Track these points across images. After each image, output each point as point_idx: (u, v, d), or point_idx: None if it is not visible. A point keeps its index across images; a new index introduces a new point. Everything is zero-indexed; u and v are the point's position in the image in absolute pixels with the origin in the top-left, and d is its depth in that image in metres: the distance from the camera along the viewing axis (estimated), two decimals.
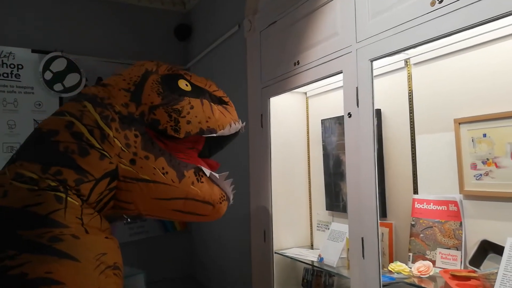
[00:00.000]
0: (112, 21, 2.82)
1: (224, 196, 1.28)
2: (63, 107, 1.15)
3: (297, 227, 2.05)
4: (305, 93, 2.09)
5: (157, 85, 1.21)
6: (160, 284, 1.56)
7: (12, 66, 2.27)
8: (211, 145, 1.38)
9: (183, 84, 1.25)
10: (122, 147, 1.10)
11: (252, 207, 2.06)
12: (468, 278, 1.16)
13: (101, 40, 2.73)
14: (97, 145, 1.07)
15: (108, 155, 1.08)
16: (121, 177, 1.10)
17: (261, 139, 1.97)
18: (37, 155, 1.06)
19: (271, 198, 1.90)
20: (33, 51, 2.38)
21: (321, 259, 1.69)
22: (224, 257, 2.62)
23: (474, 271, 1.17)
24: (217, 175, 1.26)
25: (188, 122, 1.19)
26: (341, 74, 1.44)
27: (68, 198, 1.01)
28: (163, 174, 1.14)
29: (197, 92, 1.27)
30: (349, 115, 1.38)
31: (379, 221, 1.29)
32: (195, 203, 1.20)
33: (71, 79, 2.47)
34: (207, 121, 1.23)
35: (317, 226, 2.02)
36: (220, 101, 1.34)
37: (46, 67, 2.36)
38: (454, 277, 1.19)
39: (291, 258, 1.86)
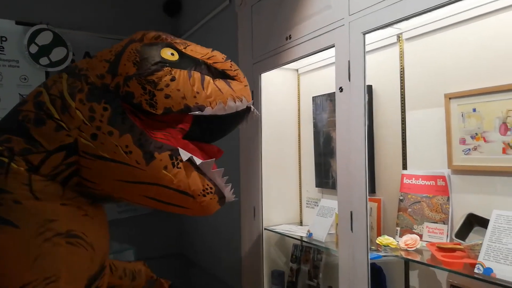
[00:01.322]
0: None
1: (211, 188, 1.07)
2: (48, 79, 1.12)
3: (287, 204, 2.06)
4: (297, 70, 2.07)
5: (134, 54, 1.07)
6: (149, 261, 1.56)
7: None
8: (206, 129, 1.17)
9: (166, 53, 1.09)
10: (85, 120, 1.00)
11: (242, 184, 2.06)
12: (453, 250, 1.18)
13: (89, 14, 2.66)
14: (56, 116, 1.01)
15: (65, 127, 1.00)
16: (81, 152, 1.00)
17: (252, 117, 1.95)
18: (1, 121, 1.05)
19: (261, 175, 1.90)
20: (17, 23, 2.30)
21: (310, 235, 1.70)
22: (214, 234, 2.64)
23: (460, 244, 1.18)
24: (199, 160, 1.06)
25: (167, 96, 1.04)
26: (333, 48, 1.42)
27: (12, 164, 0.96)
28: (126, 153, 1.00)
29: (187, 62, 1.10)
30: (341, 89, 1.37)
31: (368, 196, 1.30)
32: (169, 191, 1.03)
33: (57, 53, 2.40)
34: (194, 97, 1.05)
35: (307, 203, 2.03)
36: (223, 75, 1.14)
37: (31, 40, 2.29)
38: (440, 249, 1.20)
39: (280, 233, 1.88)
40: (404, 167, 1.49)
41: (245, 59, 2.03)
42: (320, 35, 1.48)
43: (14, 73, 2.22)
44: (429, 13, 1.15)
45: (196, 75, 1.08)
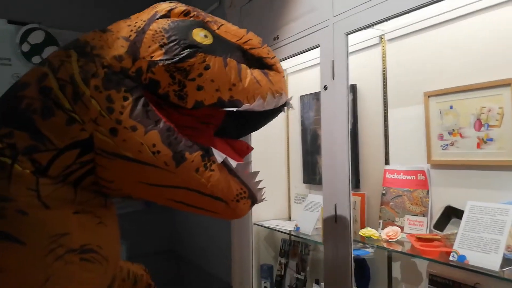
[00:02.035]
0: None
1: (244, 192, 0.94)
2: (51, 55, 0.92)
3: (276, 200, 2.11)
4: (285, 70, 2.12)
5: (161, 34, 0.88)
6: (141, 258, 1.59)
7: None
8: (240, 126, 1.05)
9: (199, 35, 0.90)
10: (102, 111, 0.83)
11: None
12: (431, 240, 1.24)
13: (81, 14, 2.69)
14: (67, 106, 0.83)
15: (79, 120, 0.83)
16: (98, 149, 0.84)
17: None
18: None
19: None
20: (9, 22, 2.33)
21: (297, 228, 1.75)
22: (205, 230, 2.68)
23: (437, 234, 1.25)
24: (234, 162, 0.92)
25: (199, 88, 0.88)
26: (319, 48, 1.48)
27: (15, 165, 0.80)
28: (153, 153, 0.84)
29: (222, 47, 0.92)
30: (325, 87, 1.43)
31: (352, 191, 1.35)
32: (201, 196, 0.90)
33: (49, 52, 2.38)
34: (230, 89, 0.90)
35: (295, 199, 2.09)
36: (260, 64, 0.97)
37: (24, 39, 2.32)
38: (419, 239, 1.27)
39: (269, 228, 1.93)
40: (387, 162, 1.55)
41: None
42: (306, 35, 1.53)
43: (6, 71, 2.25)
44: (409, 16, 1.21)
45: (232, 63, 0.91)
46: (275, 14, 1.73)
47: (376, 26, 1.41)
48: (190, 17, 0.94)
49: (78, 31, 2.63)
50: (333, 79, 1.39)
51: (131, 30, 0.90)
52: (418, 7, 1.13)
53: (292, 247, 1.99)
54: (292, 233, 1.79)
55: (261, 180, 0.97)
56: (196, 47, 0.87)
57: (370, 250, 1.48)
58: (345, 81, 1.35)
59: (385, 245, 1.38)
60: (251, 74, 0.92)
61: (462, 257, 1.08)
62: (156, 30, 0.88)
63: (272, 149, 2.09)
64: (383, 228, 1.47)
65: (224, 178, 0.90)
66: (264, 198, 1.02)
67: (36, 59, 2.36)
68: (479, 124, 1.23)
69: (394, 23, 1.46)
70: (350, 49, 1.65)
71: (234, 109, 0.90)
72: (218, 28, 0.96)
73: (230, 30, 0.97)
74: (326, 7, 1.43)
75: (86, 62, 0.85)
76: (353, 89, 1.68)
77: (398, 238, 1.36)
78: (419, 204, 1.40)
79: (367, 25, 1.28)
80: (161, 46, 0.87)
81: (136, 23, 0.91)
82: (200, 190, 0.87)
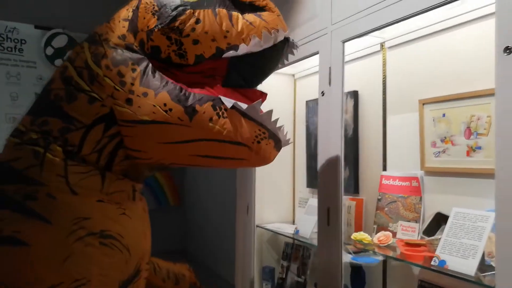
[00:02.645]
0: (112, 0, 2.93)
1: (264, 133, 0.96)
2: (70, 51, 1.04)
3: (281, 203, 2.15)
4: (293, 75, 2.17)
5: (151, 4, 0.97)
6: (153, 256, 1.66)
7: (16, 41, 2.40)
8: (245, 71, 1.04)
9: None
10: (116, 86, 0.92)
11: (238, 182, 2.16)
12: (419, 245, 1.25)
13: (102, 19, 2.84)
14: (86, 88, 0.93)
15: (98, 97, 0.92)
16: (119, 120, 0.93)
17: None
18: (32, 107, 1.00)
19: (254, 174, 2.00)
20: (36, 27, 2.51)
21: (297, 232, 1.79)
22: (214, 231, 2.75)
23: (423, 240, 1.26)
24: (245, 105, 0.94)
25: (195, 42, 0.93)
26: (318, 55, 1.52)
27: (47, 154, 0.90)
28: (166, 112, 0.90)
29: (210, 1, 0.98)
30: (323, 93, 1.47)
31: (351, 196, 1.38)
32: (221, 145, 0.93)
33: None
34: (225, 37, 0.94)
35: (299, 203, 2.12)
36: (252, 9, 1.00)
37: (48, 43, 2.49)
38: (407, 244, 1.28)
39: (270, 231, 1.97)
40: (384, 168, 1.57)
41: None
42: (307, 42, 1.58)
43: (31, 73, 2.41)
44: (408, 24, 1.25)
45: (222, 12, 0.96)
46: None
47: (376, 34, 1.46)
48: None
49: None
50: (330, 85, 1.43)
51: (129, 11, 1.00)
52: (407, 17, 1.15)
53: (294, 250, 2.02)
54: (293, 236, 1.82)
55: (278, 119, 0.99)
56: (184, 6, 0.94)
57: (380, 258, 1.48)
58: (340, 88, 1.39)
59: (376, 249, 1.39)
60: (243, 18, 0.96)
61: (442, 262, 1.10)
62: (147, 2, 0.97)
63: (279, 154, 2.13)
64: (377, 233, 1.48)
65: (239, 122, 0.93)
66: (289, 139, 1.04)
67: (58, 62, 2.52)
68: (469, 132, 1.23)
69: (393, 31, 1.49)
70: (354, 56, 1.71)
71: (232, 53, 0.94)
72: None
73: None
74: (326, 15, 1.48)
75: (96, 48, 0.96)
76: (354, 95, 1.71)
77: (389, 243, 1.37)
78: (412, 210, 1.41)
79: (362, 34, 1.32)
80: (154, 14, 0.95)
81: (132, 4, 1.01)
82: (218, 138, 0.92)
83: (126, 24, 0.98)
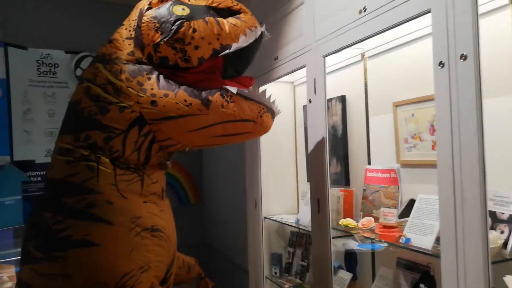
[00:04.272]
0: None
1: (263, 108, 1.19)
2: (83, 74, 1.20)
3: (286, 197, 2.40)
4: (292, 83, 2.41)
5: (152, 21, 1.14)
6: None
7: (50, 65, 2.73)
8: (236, 63, 1.25)
9: (178, 10, 1.15)
10: (139, 93, 1.10)
11: (247, 180, 2.42)
12: (392, 227, 1.48)
13: None
14: (114, 100, 1.09)
15: (127, 106, 1.09)
16: (149, 120, 1.11)
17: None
18: (69, 126, 1.15)
19: (260, 172, 2.25)
20: (67, 52, 2.83)
21: (297, 221, 2.03)
22: (228, 224, 3.02)
23: (396, 222, 1.48)
24: (245, 90, 1.19)
25: (196, 48, 1.12)
26: (305, 68, 1.76)
27: (100, 167, 1.07)
28: (187, 106, 1.10)
29: (199, 12, 1.16)
30: (310, 101, 1.71)
31: (342, 188, 1.60)
32: (234, 124, 1.15)
33: None
34: (218, 39, 1.14)
35: (302, 196, 2.35)
36: (230, 13, 1.22)
37: (77, 65, 2.81)
38: (383, 227, 1.51)
39: (276, 221, 2.22)
40: (369, 162, 1.79)
41: (247, 74, 2.40)
42: (297, 57, 1.82)
43: (64, 92, 2.74)
44: (384, 35, 1.43)
45: (211, 20, 1.15)
46: (276, 38, 2.03)
47: (357, 45, 1.67)
48: (166, 0, 1.20)
49: None
50: (315, 94, 1.66)
51: (129, 31, 1.18)
52: (369, 36, 1.37)
53: (299, 238, 2.27)
54: (294, 224, 2.07)
55: (270, 95, 1.24)
56: (181, 19, 1.12)
57: (385, 245, 1.67)
58: (323, 96, 1.62)
59: (361, 232, 1.62)
60: (227, 22, 1.17)
61: (408, 240, 1.32)
62: (148, 21, 1.14)
63: (281, 153, 2.38)
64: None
65: (243, 104, 1.16)
66: (279, 110, 1.28)
67: None
68: (432, 129, 1.45)
69: (372, 43, 1.70)
70: (341, 65, 1.94)
71: (227, 52, 1.15)
72: (189, 0, 1.22)
73: None
74: (310, 33, 1.71)
75: (112, 66, 1.13)
76: (342, 99, 1.93)
77: (371, 226, 1.60)
78: (392, 198, 1.63)
79: (338, 49, 1.53)
80: (157, 30, 1.13)
81: (130, 24, 1.19)
82: (231, 119, 1.14)
83: (131, 42, 1.16)
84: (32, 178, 2.59)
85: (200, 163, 3.64)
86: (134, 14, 1.20)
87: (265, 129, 1.22)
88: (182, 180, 3.45)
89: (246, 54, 1.24)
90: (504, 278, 1.08)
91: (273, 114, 1.24)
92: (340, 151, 1.93)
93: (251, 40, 1.19)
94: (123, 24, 1.22)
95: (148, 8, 1.18)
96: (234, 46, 1.16)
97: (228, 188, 3.07)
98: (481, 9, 1.24)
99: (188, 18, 1.13)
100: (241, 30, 1.17)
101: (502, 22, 1.23)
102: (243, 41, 1.17)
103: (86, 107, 1.11)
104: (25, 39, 2.73)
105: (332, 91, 2.00)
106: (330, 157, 2.00)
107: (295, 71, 1.87)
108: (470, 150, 1.00)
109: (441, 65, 1.09)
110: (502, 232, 1.20)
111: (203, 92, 1.13)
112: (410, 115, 1.54)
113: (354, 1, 1.42)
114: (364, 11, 1.38)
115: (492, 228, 1.23)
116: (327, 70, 1.98)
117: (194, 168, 3.55)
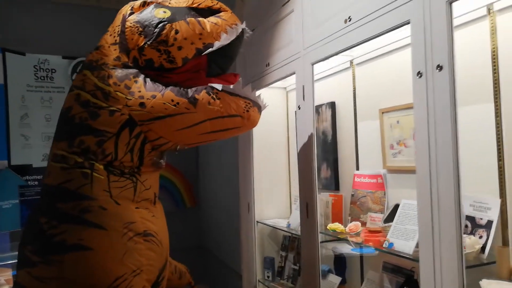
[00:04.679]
0: None
1: (249, 103, 1.22)
2: (73, 81, 1.24)
3: (278, 201, 2.43)
4: (285, 88, 2.45)
5: (135, 26, 1.18)
6: (173, 253, 1.93)
7: (47, 70, 2.78)
8: (220, 60, 1.29)
9: (160, 13, 1.19)
10: (127, 97, 1.13)
11: (240, 184, 2.45)
12: (377, 232, 1.51)
13: None
14: (104, 104, 1.12)
15: (116, 109, 1.12)
16: (139, 122, 1.14)
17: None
18: (62, 133, 1.18)
19: (252, 177, 2.28)
20: (64, 57, 2.88)
21: (288, 225, 2.06)
22: (223, 228, 3.05)
23: (380, 227, 1.51)
24: (230, 86, 1.22)
25: (179, 48, 1.15)
26: (295, 74, 1.79)
27: (94, 174, 1.11)
28: (175, 105, 1.13)
29: (179, 13, 1.20)
30: (299, 107, 1.74)
31: (332, 192, 1.63)
32: (222, 120, 1.18)
33: None
34: (200, 38, 1.17)
35: (294, 201, 2.39)
36: (211, 12, 1.25)
37: (74, 70, 2.85)
38: (369, 231, 1.53)
39: (268, 225, 2.25)
40: (358, 168, 1.82)
41: (242, 79, 2.43)
42: (286, 64, 1.85)
43: (61, 97, 2.76)
44: (370, 44, 1.46)
45: (192, 20, 1.19)
46: (267, 44, 2.06)
47: (346, 53, 1.71)
48: (147, 5, 1.24)
49: None
50: (304, 100, 1.70)
51: (114, 37, 1.22)
52: (354, 45, 1.41)
53: (291, 242, 2.29)
54: (285, 229, 2.10)
55: (255, 89, 1.28)
56: (163, 22, 1.16)
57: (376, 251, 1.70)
58: (311, 102, 1.65)
59: (348, 237, 1.65)
60: (209, 21, 1.21)
61: (391, 244, 1.35)
62: (131, 26, 1.19)
63: (274, 158, 2.41)
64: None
65: (230, 99, 1.18)
66: (266, 103, 1.30)
67: None
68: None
69: (360, 50, 1.74)
70: (331, 71, 1.97)
71: (210, 50, 1.18)
72: (170, 3, 1.25)
73: (178, 0, 1.26)
74: (299, 40, 1.74)
75: (99, 72, 1.17)
76: (332, 105, 1.97)
77: (358, 231, 1.63)
78: (378, 203, 1.66)
79: (324, 58, 1.57)
80: (140, 34, 1.17)
81: (114, 30, 1.23)
82: (218, 115, 1.17)
83: (117, 47, 1.20)
84: (29, 182, 2.63)
85: (196, 167, 3.68)
86: (118, 20, 1.24)
87: (252, 123, 1.24)
88: (178, 184, 3.48)
89: (229, 51, 1.27)
90: (480, 282, 1.10)
91: (259, 108, 1.26)
92: (330, 156, 1.96)
93: (232, 37, 1.22)
94: (108, 31, 1.26)
95: (131, 13, 1.22)
96: (217, 45, 1.19)
97: (223, 192, 3.10)
98: (460, 20, 1.29)
99: (170, 20, 1.17)
100: (222, 28, 1.20)
101: (481, 33, 1.26)
102: (224, 39, 1.20)
103: (77, 114, 1.15)
104: (23, 44, 2.78)
105: (323, 97, 2.03)
106: (321, 162, 2.03)
107: (285, 77, 1.90)
108: (446, 157, 1.03)
109: (419, 74, 1.12)
110: (480, 237, 1.23)
111: (190, 91, 1.16)
112: (396, 122, 1.57)
113: (340, 10, 1.45)
114: (349, 20, 1.41)
115: (472, 233, 1.26)
116: (318, 77, 2.05)
117: (190, 172, 3.59)
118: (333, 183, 1.94)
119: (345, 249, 1.87)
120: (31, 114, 2.70)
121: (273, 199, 2.40)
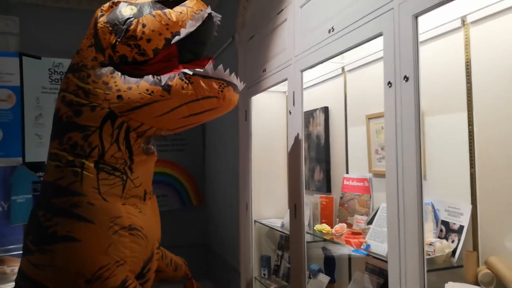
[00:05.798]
0: None
1: (222, 83, 1.25)
2: (60, 85, 1.36)
3: (277, 202, 2.49)
4: (284, 92, 2.51)
5: (106, 26, 1.28)
6: (178, 249, 2.02)
7: (61, 73, 2.93)
8: (192, 46, 1.36)
9: (127, 10, 1.28)
10: (105, 92, 1.23)
11: (240, 185, 2.54)
12: (359, 233, 1.56)
13: None
14: (85, 102, 1.22)
15: (97, 104, 1.22)
16: (119, 113, 1.23)
17: (245, 131, 2.43)
18: (54, 133, 1.30)
19: (251, 178, 2.36)
20: None
21: (282, 225, 2.13)
22: (227, 227, 3.14)
23: (361, 229, 1.56)
24: (201, 70, 1.25)
25: (149, 40, 1.24)
26: (287, 81, 1.86)
27: (84, 172, 1.21)
28: (149, 94, 1.21)
29: (145, 8, 1.29)
30: (290, 112, 1.81)
31: (323, 195, 1.69)
32: (198, 102, 1.23)
33: None
34: (167, 29, 1.25)
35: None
36: (177, 2, 1.33)
37: None
38: (351, 233, 1.59)
39: (265, 225, 2.33)
40: (347, 171, 1.88)
41: (243, 84, 2.52)
42: (280, 70, 1.92)
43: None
44: (357, 52, 1.52)
45: (157, 12, 1.27)
46: (264, 51, 2.14)
47: (337, 59, 1.77)
48: (116, 5, 1.34)
49: None
50: (294, 105, 1.77)
51: (90, 39, 1.33)
52: (337, 54, 1.47)
53: (287, 241, 2.36)
54: (278, 228, 2.16)
55: (228, 69, 1.28)
56: (129, 18, 1.26)
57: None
58: (300, 108, 1.71)
59: (334, 238, 1.71)
60: (174, 11, 1.28)
61: (368, 246, 1.40)
62: (102, 27, 1.29)
63: (273, 159, 2.48)
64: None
65: (203, 82, 1.23)
66: (242, 82, 1.34)
67: None
68: None
69: (351, 57, 1.79)
70: (325, 77, 2.03)
71: (178, 38, 1.25)
72: (136, 0, 1.34)
73: None
74: (291, 48, 1.81)
75: (79, 73, 1.28)
76: (325, 110, 2.03)
77: (343, 232, 1.69)
78: (365, 205, 1.72)
79: (311, 66, 1.64)
80: (111, 33, 1.27)
81: (90, 33, 1.34)
82: (193, 98, 1.23)
83: (92, 49, 1.30)
84: (41, 178, 2.78)
85: (203, 166, 3.78)
86: (92, 23, 1.35)
87: (229, 102, 1.28)
88: (184, 182, 3.60)
89: (198, 36, 1.33)
90: (446, 284, 1.15)
91: (234, 87, 1.30)
92: (322, 159, 2.02)
93: (198, 23, 1.29)
94: (86, 35, 1.36)
95: (101, 15, 1.32)
96: (183, 32, 1.27)
97: (227, 191, 3.20)
98: (436, 32, 1.33)
99: (137, 15, 1.27)
100: (188, 16, 1.28)
101: (455, 44, 1.30)
102: (190, 26, 1.28)
103: (64, 113, 1.26)
104: (39, 49, 2.94)
105: (317, 102, 2.09)
106: (314, 165, 2.10)
107: (278, 83, 1.97)
108: (410, 163, 1.08)
109: (389, 84, 1.18)
110: (453, 241, 1.28)
111: (163, 79, 1.23)
112: (380, 128, 1.62)
113: (325, 21, 1.52)
114: (332, 30, 1.47)
115: (445, 237, 1.31)
116: (313, 82, 2.11)
117: (197, 171, 3.70)
118: (325, 185, 2.00)
119: (334, 249, 1.93)
120: (45, 115, 2.86)
121: (271, 199, 2.47)
